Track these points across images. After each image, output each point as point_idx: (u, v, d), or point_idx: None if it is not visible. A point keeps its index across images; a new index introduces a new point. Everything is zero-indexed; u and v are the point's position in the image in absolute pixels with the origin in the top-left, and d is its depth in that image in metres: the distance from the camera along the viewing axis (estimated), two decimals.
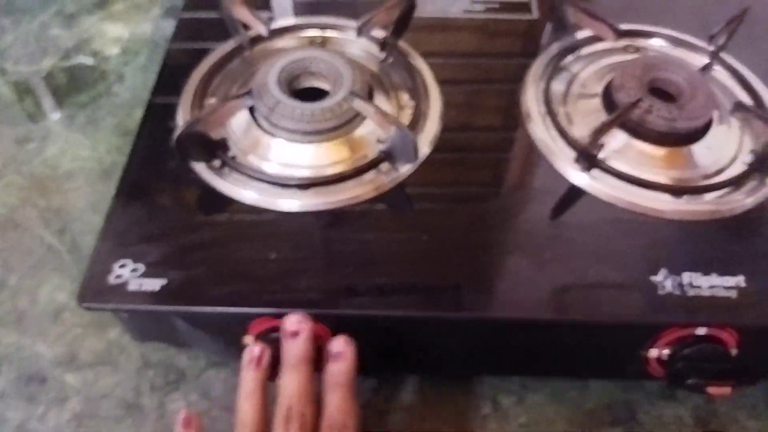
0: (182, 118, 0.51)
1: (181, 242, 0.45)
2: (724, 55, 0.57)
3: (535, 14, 0.62)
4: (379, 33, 0.57)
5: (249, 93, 0.47)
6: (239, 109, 0.48)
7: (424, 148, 0.51)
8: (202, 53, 0.57)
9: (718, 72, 0.58)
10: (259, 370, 0.38)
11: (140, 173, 0.49)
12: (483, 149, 0.52)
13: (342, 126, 0.50)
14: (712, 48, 0.56)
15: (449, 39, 0.61)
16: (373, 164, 0.49)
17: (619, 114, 0.46)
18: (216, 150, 0.48)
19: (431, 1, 0.63)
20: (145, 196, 0.48)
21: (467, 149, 0.52)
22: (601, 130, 0.46)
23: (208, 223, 0.46)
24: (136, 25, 0.79)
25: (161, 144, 0.50)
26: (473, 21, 0.62)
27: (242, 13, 0.54)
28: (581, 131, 0.52)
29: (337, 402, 0.36)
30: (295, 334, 0.38)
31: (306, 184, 0.47)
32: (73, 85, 0.72)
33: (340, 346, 0.39)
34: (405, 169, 0.49)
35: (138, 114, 0.54)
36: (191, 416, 0.38)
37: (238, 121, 0.50)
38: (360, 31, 0.52)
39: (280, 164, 0.49)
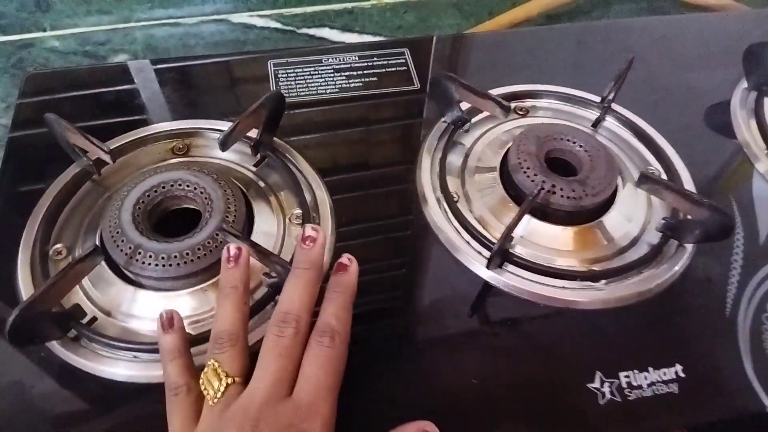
0: (22, 280, 0.42)
1: None
2: (614, 106, 0.55)
3: (417, 84, 0.58)
4: (250, 132, 0.50)
5: (96, 249, 0.39)
6: (87, 273, 0.40)
7: (326, 255, 0.45)
8: (44, 173, 0.48)
9: (610, 123, 0.55)
10: (238, 268, 0.37)
11: None
12: (383, 250, 0.47)
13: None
14: (601, 101, 0.54)
15: (328, 124, 0.55)
16: (267, 300, 0.42)
17: (523, 210, 0.42)
18: (67, 320, 0.39)
19: (302, 84, 0.57)
20: None
21: (366, 254, 0.46)
22: (507, 235, 0.41)
23: (69, 419, 0.37)
24: None
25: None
26: (353, 99, 0.56)
27: (77, 140, 0.45)
28: (480, 210, 0.48)
29: (333, 309, 0.36)
30: (312, 239, 0.38)
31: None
32: None
33: (345, 260, 0.38)
34: None
35: None
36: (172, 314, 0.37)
37: (93, 273, 0.42)
38: (224, 146, 0.45)
39: (145, 320, 0.41)
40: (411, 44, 0.62)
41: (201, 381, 0.34)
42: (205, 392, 0.33)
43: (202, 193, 0.44)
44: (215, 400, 0.33)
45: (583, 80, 0.58)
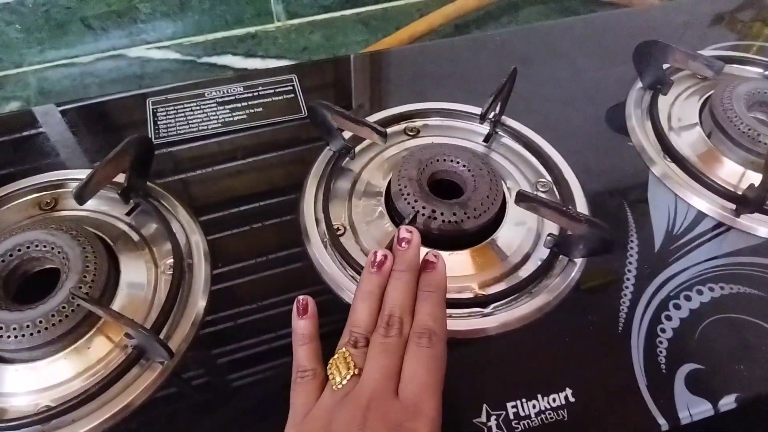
0: None
1: None
2: (506, 119, 0.53)
3: (304, 112, 0.55)
4: (119, 178, 0.47)
5: None
6: None
7: (200, 302, 0.43)
8: None
9: (503, 137, 0.54)
10: (380, 275, 0.37)
11: None
12: (265, 292, 0.45)
13: (83, 322, 0.40)
14: (481, 117, 0.52)
15: (208, 161, 0.52)
16: (135, 360, 0.39)
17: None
18: None
19: (182, 121, 0.55)
20: None
21: (246, 298, 0.44)
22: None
23: None
24: None
25: None
26: (236, 132, 0.54)
27: None
28: (368, 242, 0.46)
29: (427, 309, 0.36)
30: (407, 241, 0.38)
31: (48, 416, 0.37)
32: None
33: (432, 257, 0.38)
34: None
35: None
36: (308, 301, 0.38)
37: None
38: (80, 199, 0.42)
39: (14, 396, 0.38)
40: (299, 70, 0.59)
41: (330, 365, 0.35)
42: (330, 377, 0.34)
43: (59, 252, 0.42)
44: (339, 386, 0.33)
45: (480, 94, 0.56)
